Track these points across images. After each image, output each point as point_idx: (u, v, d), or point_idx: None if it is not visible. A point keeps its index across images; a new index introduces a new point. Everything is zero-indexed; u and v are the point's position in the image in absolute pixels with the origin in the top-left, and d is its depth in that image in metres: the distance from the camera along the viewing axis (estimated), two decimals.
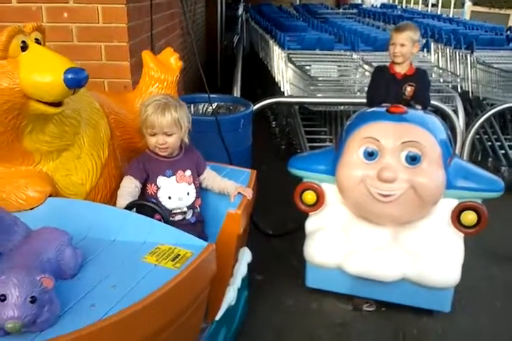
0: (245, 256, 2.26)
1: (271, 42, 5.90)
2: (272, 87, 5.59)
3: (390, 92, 2.97)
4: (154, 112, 1.98)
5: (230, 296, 2.05)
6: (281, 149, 5.07)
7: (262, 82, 6.78)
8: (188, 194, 2.11)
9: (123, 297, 1.37)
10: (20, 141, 1.76)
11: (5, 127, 1.68)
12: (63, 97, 1.72)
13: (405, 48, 2.95)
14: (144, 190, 2.06)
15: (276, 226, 3.43)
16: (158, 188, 2.06)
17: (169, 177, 2.07)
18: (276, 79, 5.33)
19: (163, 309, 1.40)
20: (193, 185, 2.13)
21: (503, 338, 2.53)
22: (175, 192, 2.07)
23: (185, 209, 2.11)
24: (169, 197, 2.07)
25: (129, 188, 1.97)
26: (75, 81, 1.64)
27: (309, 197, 2.64)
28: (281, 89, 4.98)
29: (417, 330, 2.56)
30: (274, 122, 5.79)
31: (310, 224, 2.69)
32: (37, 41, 1.74)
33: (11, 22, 2.63)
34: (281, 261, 3.10)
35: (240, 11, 12.88)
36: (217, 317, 1.96)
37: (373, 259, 2.48)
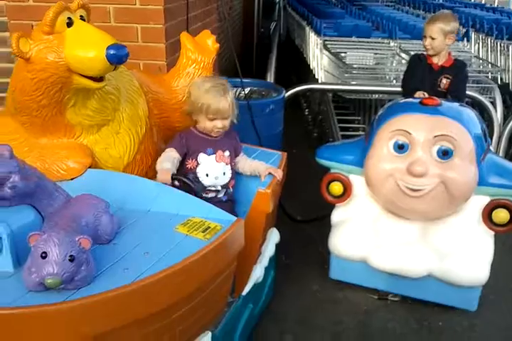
0: (273, 236, 2.30)
1: (307, 28, 5.86)
2: (307, 74, 5.56)
3: (425, 82, 2.91)
4: (217, 98, 2.05)
5: (257, 273, 2.10)
6: (313, 137, 5.05)
7: (297, 69, 6.75)
8: (224, 174, 2.17)
9: (155, 263, 1.44)
10: (63, 114, 1.84)
11: (49, 100, 1.77)
12: (105, 72, 1.78)
13: (436, 41, 2.88)
14: (183, 164, 2.12)
15: (305, 211, 3.44)
16: (198, 164, 2.12)
17: (209, 155, 2.13)
18: (311, 66, 5.29)
19: (191, 276, 1.46)
20: (229, 166, 2.19)
21: None
22: (213, 170, 2.13)
23: (220, 188, 2.17)
24: (207, 175, 2.13)
25: (170, 157, 2.04)
26: (117, 57, 1.70)
27: (336, 188, 2.60)
28: (316, 76, 4.95)
29: (442, 322, 2.53)
30: (307, 110, 5.77)
31: (336, 216, 2.67)
32: (81, 18, 1.81)
33: (52, 2, 2.72)
34: (308, 247, 3.11)
35: None
36: (244, 293, 2.02)
37: (400, 255, 2.44)
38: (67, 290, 1.28)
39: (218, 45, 2.41)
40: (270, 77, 4.35)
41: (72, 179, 1.85)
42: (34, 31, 1.77)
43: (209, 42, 2.41)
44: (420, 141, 2.28)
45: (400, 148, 2.33)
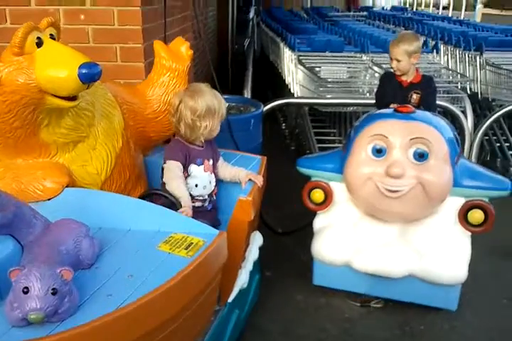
0: (257, 239, 2.32)
1: (281, 44, 5.98)
2: (282, 89, 5.66)
3: (396, 98, 3.00)
4: (215, 99, 2.10)
5: (242, 279, 2.11)
6: (291, 150, 5.13)
7: (273, 84, 6.86)
8: (210, 182, 2.19)
9: (138, 286, 1.42)
10: (37, 134, 1.81)
11: (22, 121, 1.74)
12: (78, 92, 1.76)
13: (402, 63, 3.00)
14: None
15: (285, 223, 3.48)
16: (188, 175, 2.13)
17: (199, 165, 2.15)
18: (287, 81, 5.40)
19: (177, 296, 1.45)
20: (213, 174, 2.22)
21: (509, 335, 2.56)
22: (201, 180, 2.15)
23: (206, 197, 2.19)
24: (196, 185, 2.14)
25: (180, 174, 2.05)
26: (89, 75, 1.68)
27: (317, 195, 2.68)
28: (291, 91, 5.05)
29: (424, 326, 2.59)
30: (283, 124, 5.86)
31: (318, 222, 2.73)
32: (51, 37, 1.78)
33: None
34: (290, 258, 3.15)
35: (251, 14, 12.99)
36: (230, 300, 2.03)
37: (381, 256, 2.52)
38: (51, 323, 1.27)
39: (192, 51, 2.40)
40: (247, 93, 4.43)
41: (49, 199, 1.82)
42: (3, 53, 1.74)
43: (183, 49, 2.39)
44: (397, 144, 2.38)
45: (378, 152, 2.42)
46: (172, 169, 2.06)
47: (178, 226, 1.74)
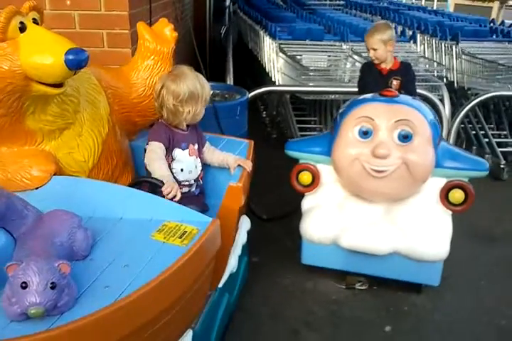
0: (244, 223, 2.34)
1: (261, 32, 5.96)
2: (262, 77, 5.66)
3: (378, 86, 3.03)
4: (198, 83, 2.06)
5: (232, 264, 2.13)
6: (272, 138, 5.15)
7: (251, 71, 6.85)
8: (195, 167, 2.18)
9: (135, 276, 1.41)
10: (22, 122, 1.76)
11: (7, 109, 1.69)
12: (64, 78, 1.72)
13: (379, 51, 3.12)
14: None
15: (269, 211, 3.52)
16: (172, 159, 2.11)
17: (184, 149, 2.13)
18: (267, 69, 5.39)
19: (174, 286, 1.46)
20: (199, 159, 2.20)
21: (487, 313, 2.66)
22: (187, 164, 2.14)
23: (193, 181, 2.18)
24: (181, 170, 2.13)
25: (162, 155, 2.01)
26: (76, 62, 1.63)
27: (305, 177, 2.74)
28: (273, 79, 5.06)
29: (408, 307, 2.68)
30: (264, 112, 5.87)
31: (306, 203, 2.79)
32: (34, 21, 1.72)
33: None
34: (275, 244, 3.20)
35: (228, 2, 12.91)
36: (220, 285, 2.04)
37: (366, 234, 2.60)
38: (51, 317, 1.25)
39: (176, 34, 2.36)
40: (230, 80, 4.44)
41: (37, 188, 1.78)
42: None
43: (167, 31, 2.34)
44: (382, 126, 2.45)
45: (365, 134, 2.49)
46: (154, 150, 2.02)
47: (171, 215, 1.73)
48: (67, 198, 1.69)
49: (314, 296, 2.76)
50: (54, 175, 1.80)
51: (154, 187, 1.91)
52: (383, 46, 3.09)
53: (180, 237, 1.62)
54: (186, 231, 1.65)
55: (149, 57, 2.28)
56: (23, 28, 1.66)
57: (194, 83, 2.05)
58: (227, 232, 2.04)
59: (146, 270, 1.44)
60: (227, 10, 11.97)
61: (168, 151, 2.10)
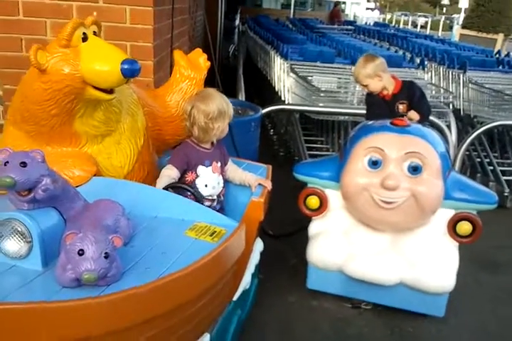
0: (258, 244, 2.42)
1: (272, 52, 6.08)
2: (271, 95, 5.76)
3: (384, 114, 3.01)
4: (224, 101, 2.23)
5: (246, 279, 2.20)
6: (280, 156, 5.22)
7: (260, 90, 6.95)
8: (218, 183, 2.30)
9: (172, 262, 1.53)
10: (71, 124, 1.92)
11: (60, 109, 1.84)
12: (118, 85, 1.89)
13: (370, 86, 3.07)
14: (182, 177, 2.22)
15: (275, 228, 3.55)
16: (197, 176, 2.24)
17: (207, 167, 2.26)
18: (277, 88, 5.50)
19: (206, 274, 1.57)
20: (221, 176, 2.32)
21: (491, 338, 2.68)
22: (210, 181, 2.26)
23: (215, 197, 2.29)
24: (205, 185, 2.25)
25: (168, 178, 2.14)
26: (130, 71, 1.82)
27: (313, 201, 2.75)
28: (282, 98, 5.15)
29: (413, 328, 2.70)
30: (272, 130, 5.95)
31: (313, 228, 2.81)
32: (94, 33, 1.91)
33: (42, 18, 2.79)
34: (281, 261, 3.22)
35: (237, 21, 13.14)
36: (235, 298, 2.10)
37: (373, 263, 2.60)
38: (99, 287, 1.35)
39: (209, 63, 2.55)
40: (242, 97, 4.51)
41: (77, 186, 1.87)
42: (50, 44, 1.86)
43: (200, 60, 2.55)
44: (392, 157, 2.45)
45: (374, 164, 2.49)
46: (168, 175, 2.15)
47: (201, 216, 1.86)
48: (106, 197, 1.78)
49: (321, 314, 2.77)
50: (94, 176, 1.93)
51: (183, 192, 2.04)
52: (371, 80, 3.05)
53: (211, 235, 1.75)
54: (216, 231, 1.79)
55: (183, 82, 2.46)
56: (85, 38, 1.85)
57: (221, 102, 2.23)
58: (247, 243, 2.11)
59: (181, 258, 1.56)
60: (237, 29, 12.19)
61: (193, 168, 2.24)
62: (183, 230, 1.76)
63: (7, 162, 1.42)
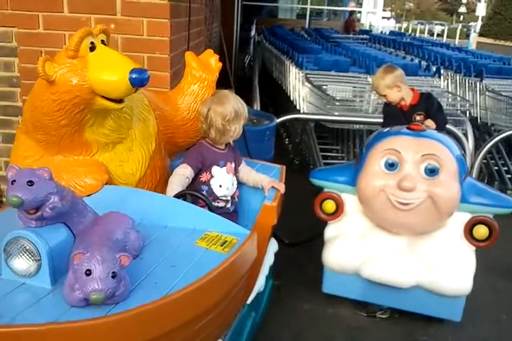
0: (272, 246, 2.41)
1: (287, 62, 6.13)
2: (286, 105, 5.79)
3: (401, 125, 3.02)
4: (240, 103, 2.25)
5: (260, 282, 2.19)
6: (295, 164, 5.23)
7: (275, 99, 7.00)
8: (232, 184, 2.31)
9: (182, 276, 1.51)
10: (81, 133, 1.92)
11: (70, 120, 1.85)
12: (127, 95, 1.88)
13: (389, 96, 3.14)
14: (196, 177, 2.23)
15: (291, 236, 3.56)
16: (212, 176, 2.25)
17: (222, 167, 2.27)
18: (292, 98, 5.53)
19: (217, 286, 1.55)
20: (235, 177, 2.33)
21: None
22: (225, 181, 2.26)
23: (229, 197, 2.30)
24: (220, 186, 2.26)
25: (182, 177, 2.14)
26: (139, 80, 1.80)
27: (329, 206, 2.77)
28: (297, 107, 5.18)
29: (427, 337, 2.68)
30: (287, 139, 5.98)
31: (329, 232, 2.81)
32: (102, 42, 1.91)
33: (62, 30, 2.87)
34: (297, 268, 3.23)
35: (253, 32, 13.25)
36: (249, 301, 2.10)
37: (389, 266, 2.59)
38: (107, 305, 1.34)
39: (221, 64, 2.53)
40: (257, 106, 4.55)
41: (88, 195, 1.90)
42: (58, 55, 1.85)
43: (212, 61, 2.53)
44: (409, 159, 2.47)
45: (391, 166, 2.51)
46: (182, 174, 2.16)
47: (212, 225, 1.84)
48: (117, 206, 1.80)
49: (335, 322, 2.76)
50: (105, 184, 1.93)
51: (196, 200, 2.05)
52: (389, 90, 3.11)
53: (222, 245, 1.74)
54: (227, 241, 1.77)
55: (195, 84, 2.44)
56: (92, 48, 1.84)
57: (237, 103, 2.25)
58: (260, 248, 2.11)
59: (191, 271, 1.55)
60: (253, 40, 12.30)
61: (207, 169, 2.25)
62: (194, 240, 1.75)
63: (14, 180, 1.42)
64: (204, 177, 2.25)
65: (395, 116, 3.18)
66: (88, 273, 1.30)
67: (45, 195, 1.44)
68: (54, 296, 1.40)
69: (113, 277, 1.32)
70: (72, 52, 1.79)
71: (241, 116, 2.24)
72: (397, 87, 3.11)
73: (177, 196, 2.03)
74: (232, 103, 2.22)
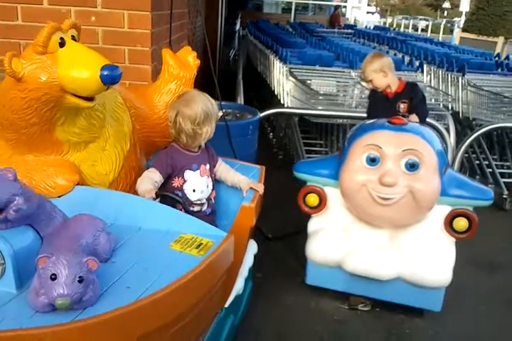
0: (252, 247, 2.38)
1: (271, 57, 6.10)
2: (270, 99, 5.77)
3: (385, 111, 3.09)
4: (209, 102, 2.14)
5: (239, 285, 2.16)
6: (279, 159, 5.23)
7: (259, 94, 6.98)
8: (207, 186, 2.23)
9: (155, 280, 1.47)
10: (51, 132, 1.84)
11: (39, 118, 1.77)
12: (98, 92, 1.80)
13: (375, 81, 3.19)
14: (168, 182, 2.15)
15: (273, 230, 3.56)
16: (184, 181, 2.16)
17: (195, 171, 2.18)
18: (276, 92, 5.51)
19: (192, 290, 1.51)
20: (210, 178, 2.25)
21: (488, 340, 2.69)
22: (199, 185, 2.19)
23: (204, 200, 2.23)
24: (193, 190, 2.18)
25: (150, 179, 2.05)
26: (111, 77, 1.72)
27: (312, 199, 2.79)
28: (281, 102, 5.17)
29: (409, 330, 2.70)
30: (271, 133, 5.97)
31: (312, 225, 2.84)
32: (73, 38, 1.82)
33: (41, 23, 2.81)
34: (279, 262, 3.23)
35: (237, 26, 13.20)
36: (226, 305, 2.06)
37: (371, 259, 2.63)
38: (74, 311, 1.30)
39: (199, 61, 2.47)
40: (240, 100, 4.54)
41: (59, 196, 1.84)
42: (26, 51, 1.76)
43: (190, 58, 2.46)
44: (390, 154, 2.50)
45: (372, 161, 2.54)
46: (146, 176, 2.07)
47: (187, 227, 1.79)
48: (89, 207, 1.74)
49: (317, 316, 2.78)
50: (77, 184, 1.87)
51: (172, 202, 1.98)
52: (375, 75, 3.15)
53: (197, 248, 1.68)
54: (202, 243, 1.72)
55: (172, 82, 2.38)
56: (62, 44, 1.76)
57: (206, 103, 2.13)
58: (238, 251, 2.08)
59: (165, 275, 1.50)
60: (237, 34, 12.25)
61: (179, 173, 2.16)
62: (168, 243, 1.69)
63: None
64: (176, 182, 2.16)
65: (380, 103, 3.24)
66: (53, 277, 1.26)
67: (8, 197, 1.38)
68: (19, 301, 1.36)
69: (80, 282, 1.28)
70: (40, 48, 1.71)
71: (211, 117, 2.13)
72: (383, 73, 3.16)
73: (157, 195, 1.97)
74: (201, 104, 2.10)
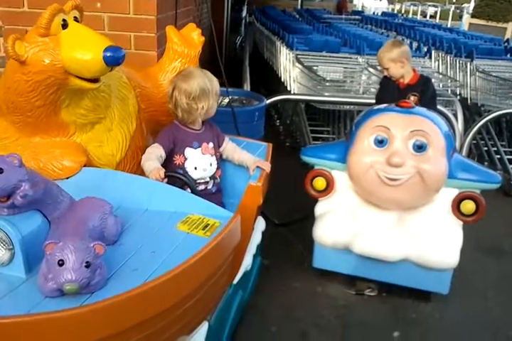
0: (259, 224, 2.40)
1: (278, 43, 6.07)
2: (277, 86, 5.75)
3: (394, 101, 3.03)
4: (207, 78, 2.14)
5: (247, 262, 2.18)
6: (286, 146, 5.22)
7: (266, 80, 6.94)
8: (210, 165, 2.24)
9: (162, 262, 1.48)
10: (57, 114, 1.85)
11: (44, 101, 1.78)
12: (101, 74, 1.80)
13: (391, 70, 3.17)
14: (170, 160, 2.16)
15: (281, 216, 3.57)
16: (185, 159, 2.18)
17: (196, 148, 2.19)
18: (283, 79, 5.49)
19: (197, 273, 1.52)
20: (214, 157, 2.26)
21: (495, 323, 2.68)
22: (200, 163, 2.20)
23: (208, 179, 2.24)
24: (195, 168, 2.19)
25: (156, 155, 2.06)
26: (114, 59, 1.72)
27: (320, 183, 2.79)
28: (288, 88, 5.15)
29: (416, 314, 2.72)
30: (278, 120, 5.96)
31: (319, 209, 2.84)
32: (75, 19, 1.81)
33: (45, 8, 2.81)
34: (287, 247, 3.24)
35: (244, 13, 13.10)
36: (235, 281, 2.09)
37: (378, 240, 2.64)
38: (83, 295, 1.32)
39: (204, 38, 2.45)
40: (247, 87, 4.52)
41: (67, 178, 1.85)
42: (29, 34, 1.76)
43: (194, 35, 2.45)
44: (398, 135, 2.50)
45: (380, 142, 2.54)
46: (152, 152, 2.08)
47: (194, 208, 1.80)
48: (96, 189, 1.75)
49: (324, 300, 2.79)
50: (84, 166, 1.87)
51: (179, 182, 1.99)
52: (393, 64, 3.14)
53: (203, 229, 1.69)
54: (209, 224, 1.73)
55: (177, 60, 2.36)
56: (65, 25, 1.75)
57: (203, 79, 2.14)
58: (245, 230, 2.09)
59: (171, 257, 1.51)
60: (244, 21, 12.17)
61: (179, 151, 2.18)
62: (175, 224, 1.70)
63: None
64: (178, 160, 2.18)
65: (391, 91, 3.22)
66: (61, 263, 1.28)
67: (15, 183, 1.39)
68: (29, 286, 1.37)
69: (87, 267, 1.29)
70: (43, 30, 1.70)
71: (209, 94, 2.14)
72: (401, 63, 3.14)
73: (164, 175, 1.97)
74: (198, 80, 2.12)
